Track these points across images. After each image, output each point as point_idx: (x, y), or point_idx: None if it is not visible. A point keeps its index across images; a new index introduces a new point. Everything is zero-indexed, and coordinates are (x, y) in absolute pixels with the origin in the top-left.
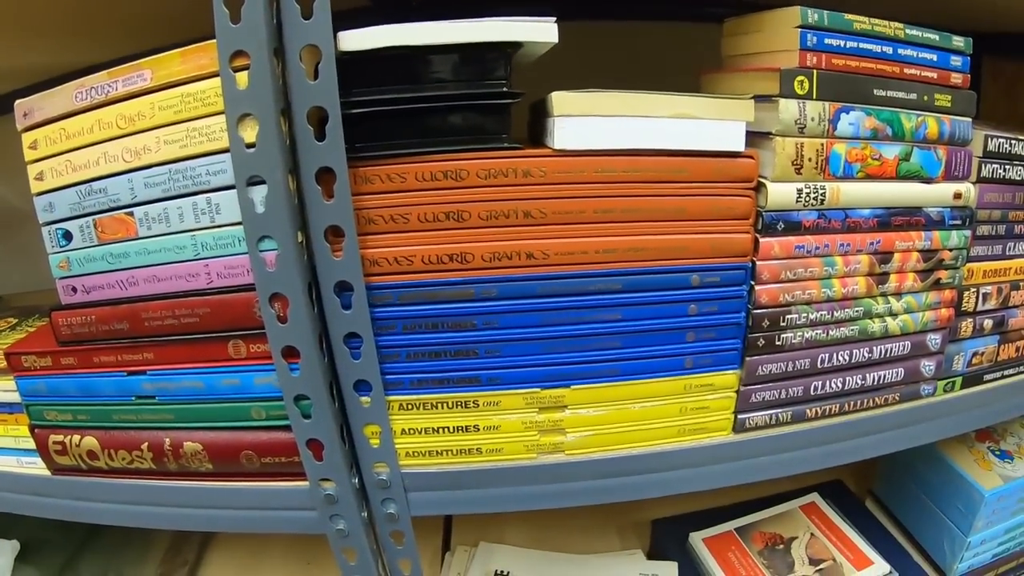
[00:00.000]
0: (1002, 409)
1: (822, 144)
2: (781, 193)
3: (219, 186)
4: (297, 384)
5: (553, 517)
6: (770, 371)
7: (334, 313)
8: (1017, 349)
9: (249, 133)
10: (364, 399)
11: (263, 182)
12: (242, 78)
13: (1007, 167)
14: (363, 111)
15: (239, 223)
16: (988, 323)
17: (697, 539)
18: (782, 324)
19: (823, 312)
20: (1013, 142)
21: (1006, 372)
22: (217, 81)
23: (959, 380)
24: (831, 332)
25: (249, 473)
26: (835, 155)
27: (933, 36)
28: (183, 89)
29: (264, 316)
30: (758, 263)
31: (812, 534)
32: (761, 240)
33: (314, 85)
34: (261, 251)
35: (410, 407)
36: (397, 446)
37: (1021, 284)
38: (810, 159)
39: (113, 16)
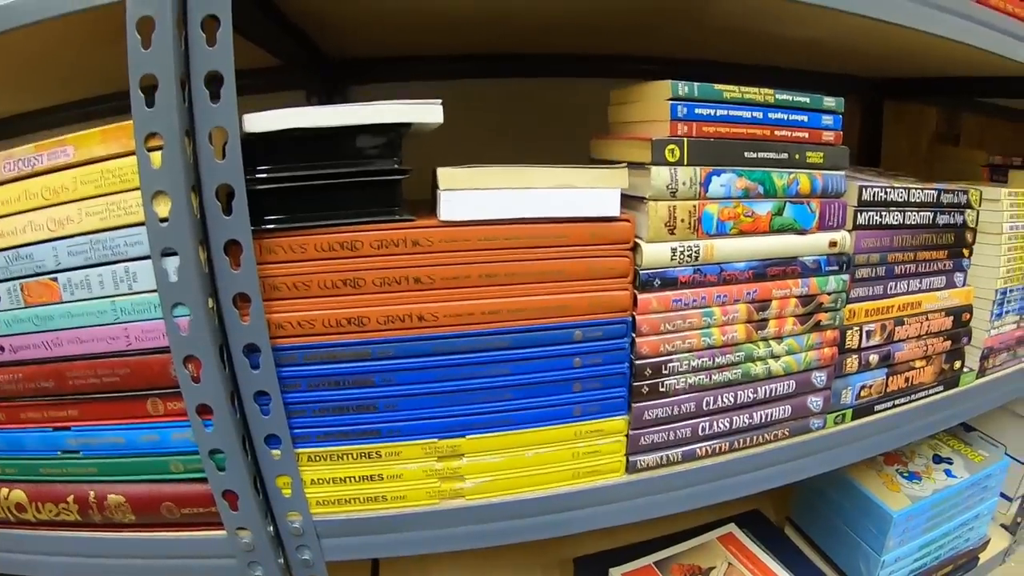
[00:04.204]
0: (895, 436)
1: (694, 206)
2: (656, 253)
3: (136, 256)
4: (211, 439)
5: (478, 556)
6: (656, 415)
7: (244, 373)
8: (906, 380)
9: (162, 208)
10: (275, 452)
11: (176, 253)
12: (156, 157)
13: (883, 213)
14: (267, 187)
15: (155, 290)
16: (874, 358)
17: (617, 575)
18: (664, 372)
19: (704, 359)
20: (888, 190)
21: (897, 402)
22: (134, 159)
23: (849, 412)
24: (714, 377)
25: (170, 524)
26: (707, 215)
27: (804, 99)
28: (103, 165)
29: (179, 376)
30: (638, 317)
31: (730, 563)
32: (639, 296)
33: (221, 164)
34: (175, 317)
35: (318, 459)
36: (308, 495)
37: (905, 320)
38: (683, 220)
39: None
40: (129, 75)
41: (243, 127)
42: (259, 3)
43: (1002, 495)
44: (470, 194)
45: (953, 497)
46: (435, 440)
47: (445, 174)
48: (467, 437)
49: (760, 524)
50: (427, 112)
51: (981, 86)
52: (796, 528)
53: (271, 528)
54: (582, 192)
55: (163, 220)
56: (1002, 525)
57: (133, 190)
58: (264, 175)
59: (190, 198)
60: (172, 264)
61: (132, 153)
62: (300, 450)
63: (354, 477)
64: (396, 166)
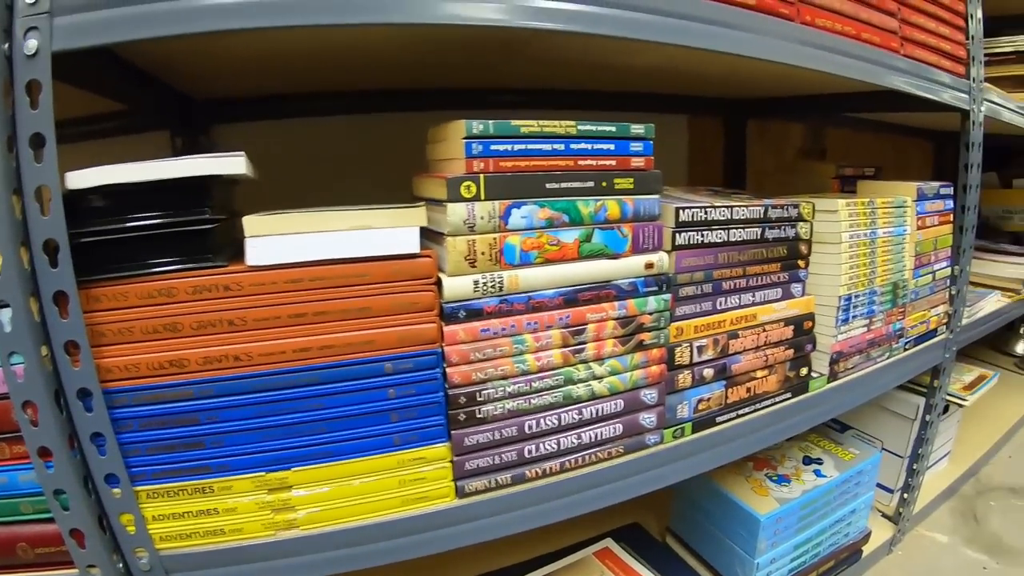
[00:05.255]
0: (743, 445)
1: (495, 238)
2: (457, 286)
3: None
4: (53, 480)
5: None
6: (478, 441)
7: (79, 415)
8: (748, 390)
9: None
10: (115, 491)
11: (8, 305)
12: None
13: (704, 233)
14: (89, 240)
15: None
16: (709, 372)
17: None
18: (480, 399)
19: (520, 384)
20: (708, 210)
21: (740, 412)
22: None
23: (688, 426)
24: (533, 401)
25: (27, 564)
26: (509, 246)
27: (609, 128)
28: None
29: (19, 420)
30: (446, 348)
31: None
32: (445, 328)
33: (47, 220)
34: (11, 364)
35: (156, 495)
36: (151, 532)
37: (740, 333)
38: (484, 253)
39: None
40: None
41: (65, 185)
42: (96, 56)
43: (883, 487)
44: (274, 239)
45: (823, 496)
46: (263, 473)
47: (249, 221)
48: (293, 469)
49: (638, 537)
50: (229, 165)
51: (844, 102)
52: (676, 538)
53: (121, 565)
54: (381, 232)
55: None
56: (884, 516)
57: None
58: (82, 230)
59: (19, 253)
60: (6, 315)
61: None
62: (139, 487)
63: (191, 512)
64: (206, 215)
